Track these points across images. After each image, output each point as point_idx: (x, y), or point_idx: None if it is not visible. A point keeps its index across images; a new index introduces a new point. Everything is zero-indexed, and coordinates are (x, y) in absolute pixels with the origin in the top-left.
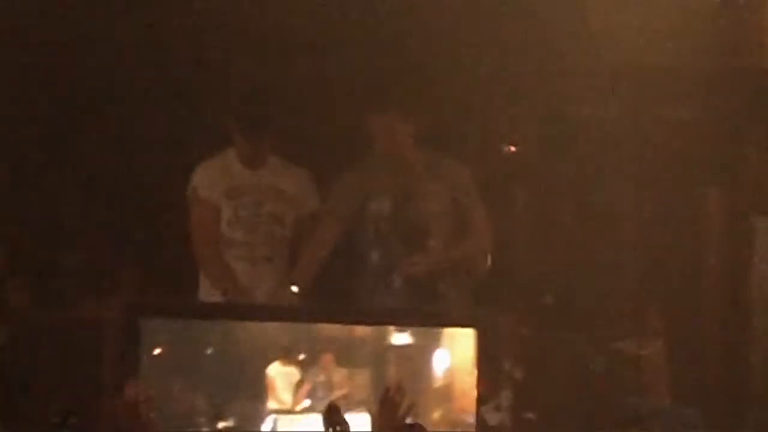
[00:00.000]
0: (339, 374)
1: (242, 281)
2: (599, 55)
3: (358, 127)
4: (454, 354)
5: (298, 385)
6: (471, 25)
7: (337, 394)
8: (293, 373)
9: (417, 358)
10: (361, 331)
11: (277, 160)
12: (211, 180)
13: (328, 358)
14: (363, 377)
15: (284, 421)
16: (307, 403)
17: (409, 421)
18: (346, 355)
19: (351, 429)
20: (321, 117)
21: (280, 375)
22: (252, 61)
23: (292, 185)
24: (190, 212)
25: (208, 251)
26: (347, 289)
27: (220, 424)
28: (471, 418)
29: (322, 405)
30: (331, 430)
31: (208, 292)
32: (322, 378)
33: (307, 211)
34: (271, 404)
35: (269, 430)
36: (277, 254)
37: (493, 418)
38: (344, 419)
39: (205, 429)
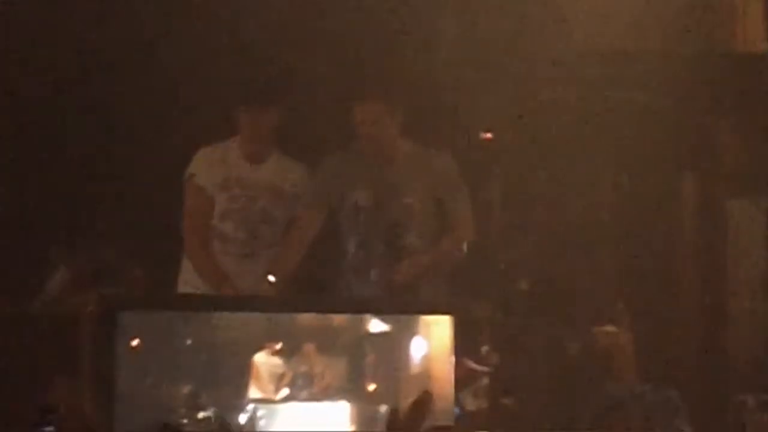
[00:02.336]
0: (320, 364)
1: (226, 275)
2: (571, 40)
3: (345, 118)
4: (431, 341)
5: (281, 375)
6: (444, 12)
7: (319, 384)
8: (278, 363)
9: (394, 345)
10: (339, 320)
11: (279, 155)
12: (209, 168)
13: (309, 347)
14: (340, 366)
15: (264, 410)
16: (286, 392)
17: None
18: (323, 345)
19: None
20: (308, 107)
21: (264, 365)
22: (265, 45)
23: (291, 184)
24: (184, 198)
25: (196, 241)
26: (324, 278)
27: (200, 414)
28: (449, 405)
29: (302, 394)
30: None
31: (188, 283)
32: (303, 368)
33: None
34: (252, 394)
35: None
36: (263, 252)
37: (471, 404)
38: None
39: (184, 420)
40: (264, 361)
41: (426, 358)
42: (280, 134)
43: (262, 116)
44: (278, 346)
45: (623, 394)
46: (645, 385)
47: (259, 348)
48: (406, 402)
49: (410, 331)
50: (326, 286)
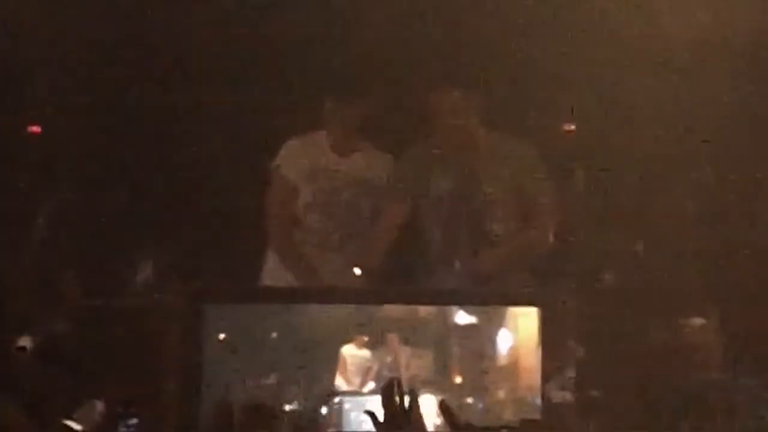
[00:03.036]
0: (406, 355)
1: (311, 267)
2: (656, 29)
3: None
4: (518, 333)
5: (367, 367)
6: (529, 3)
7: (406, 375)
8: (364, 356)
9: (480, 337)
10: (425, 311)
11: (366, 147)
12: (295, 160)
13: (395, 339)
14: (426, 358)
15: (351, 403)
16: (372, 384)
17: None
18: (409, 336)
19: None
20: (389, 94)
21: (350, 358)
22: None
23: (378, 176)
24: (269, 189)
25: (280, 233)
26: (409, 269)
27: (286, 407)
28: (536, 397)
29: None
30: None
31: (273, 275)
32: (389, 360)
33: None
34: (338, 386)
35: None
36: (348, 244)
37: (557, 397)
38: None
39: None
40: (351, 353)
41: (512, 350)
42: (367, 126)
43: (350, 108)
44: (365, 338)
45: (705, 385)
46: (727, 375)
47: (345, 340)
48: (492, 394)
49: (496, 323)
50: (411, 276)
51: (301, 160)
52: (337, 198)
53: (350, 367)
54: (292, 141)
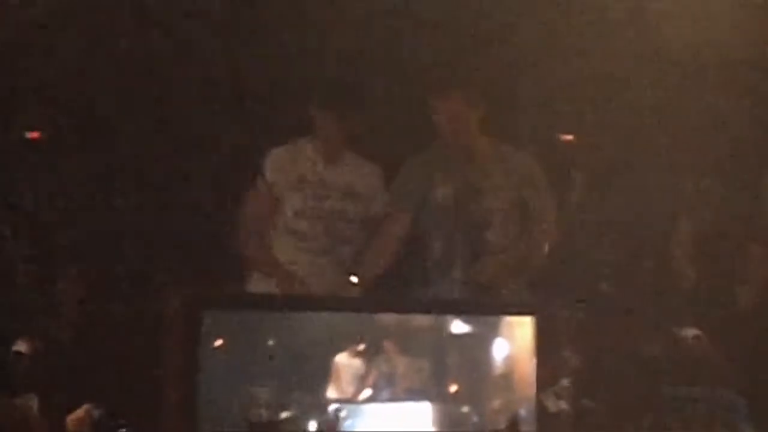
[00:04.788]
0: (402, 364)
1: (302, 272)
2: (653, 41)
3: (425, 114)
4: (513, 342)
5: (363, 376)
6: (528, 12)
7: (401, 385)
8: (359, 364)
9: (476, 346)
10: (420, 320)
11: (353, 156)
12: (282, 167)
13: (391, 348)
14: (423, 366)
15: (346, 411)
16: (368, 392)
17: None
18: (405, 345)
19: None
20: (388, 103)
21: (346, 366)
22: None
23: (364, 184)
24: (250, 194)
25: (256, 239)
26: (406, 279)
27: (282, 415)
28: (531, 406)
29: (384, 394)
30: None
31: (258, 283)
32: (385, 368)
33: (374, 211)
34: (334, 394)
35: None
36: (338, 248)
37: (552, 406)
38: None
39: (266, 420)
40: (346, 361)
41: (508, 359)
42: (356, 135)
43: (340, 117)
44: (360, 346)
45: (685, 395)
46: (707, 387)
47: (341, 348)
48: (488, 404)
49: (492, 332)
50: (408, 285)
51: (287, 168)
52: (326, 205)
53: (346, 375)
54: (277, 150)
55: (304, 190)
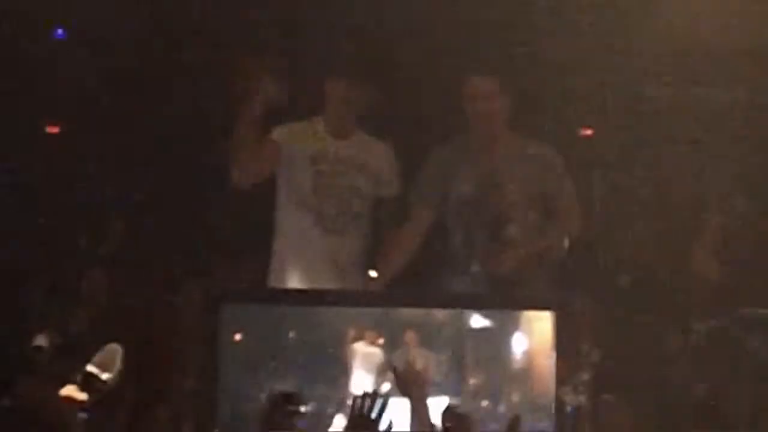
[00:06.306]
0: (421, 358)
1: (314, 250)
2: (672, 36)
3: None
4: (532, 337)
5: (381, 366)
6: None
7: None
8: (376, 353)
9: (495, 341)
10: (440, 314)
11: (362, 134)
12: (294, 140)
13: (411, 342)
14: (442, 361)
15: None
16: (387, 386)
17: None
18: (425, 339)
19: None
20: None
21: (363, 355)
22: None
23: (375, 161)
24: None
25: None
26: (427, 273)
27: (302, 408)
28: (550, 401)
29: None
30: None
31: (278, 278)
32: (404, 361)
33: (387, 190)
34: (353, 388)
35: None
36: (351, 227)
37: (571, 400)
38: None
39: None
40: (366, 354)
41: (527, 354)
42: (367, 113)
43: (353, 91)
44: (380, 340)
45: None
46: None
47: (361, 341)
48: (507, 398)
49: (511, 327)
50: (428, 279)
51: (301, 141)
52: (340, 181)
53: (365, 366)
54: (289, 125)
55: (316, 165)
